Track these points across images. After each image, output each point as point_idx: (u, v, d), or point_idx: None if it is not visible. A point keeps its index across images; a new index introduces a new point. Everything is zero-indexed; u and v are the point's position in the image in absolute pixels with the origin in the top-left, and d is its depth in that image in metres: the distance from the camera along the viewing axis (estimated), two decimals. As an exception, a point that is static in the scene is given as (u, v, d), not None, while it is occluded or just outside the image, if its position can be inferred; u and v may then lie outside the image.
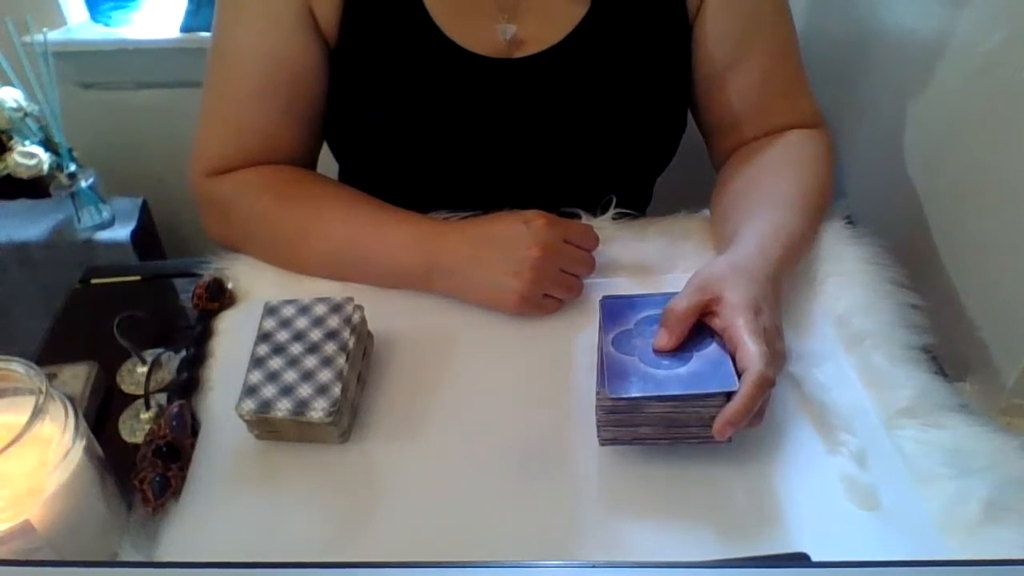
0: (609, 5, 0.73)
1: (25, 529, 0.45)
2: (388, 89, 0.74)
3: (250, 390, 0.57)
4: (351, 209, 0.72)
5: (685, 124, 0.82)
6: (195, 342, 0.67)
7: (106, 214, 1.48)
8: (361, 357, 0.62)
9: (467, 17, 0.72)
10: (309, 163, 0.80)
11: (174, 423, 0.57)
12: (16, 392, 0.50)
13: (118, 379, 0.66)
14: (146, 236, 1.51)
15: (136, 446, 0.57)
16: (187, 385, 0.63)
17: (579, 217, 0.77)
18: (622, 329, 0.59)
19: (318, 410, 0.55)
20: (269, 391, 0.57)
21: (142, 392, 0.63)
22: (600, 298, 0.63)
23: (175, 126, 1.41)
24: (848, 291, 0.67)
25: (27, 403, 0.46)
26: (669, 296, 0.59)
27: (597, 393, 0.56)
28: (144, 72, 1.52)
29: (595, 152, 0.79)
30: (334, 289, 0.71)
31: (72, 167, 1.40)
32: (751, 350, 0.52)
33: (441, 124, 0.76)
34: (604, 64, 0.74)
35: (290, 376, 0.57)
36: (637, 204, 0.88)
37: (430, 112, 0.75)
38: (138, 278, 0.80)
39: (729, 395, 0.52)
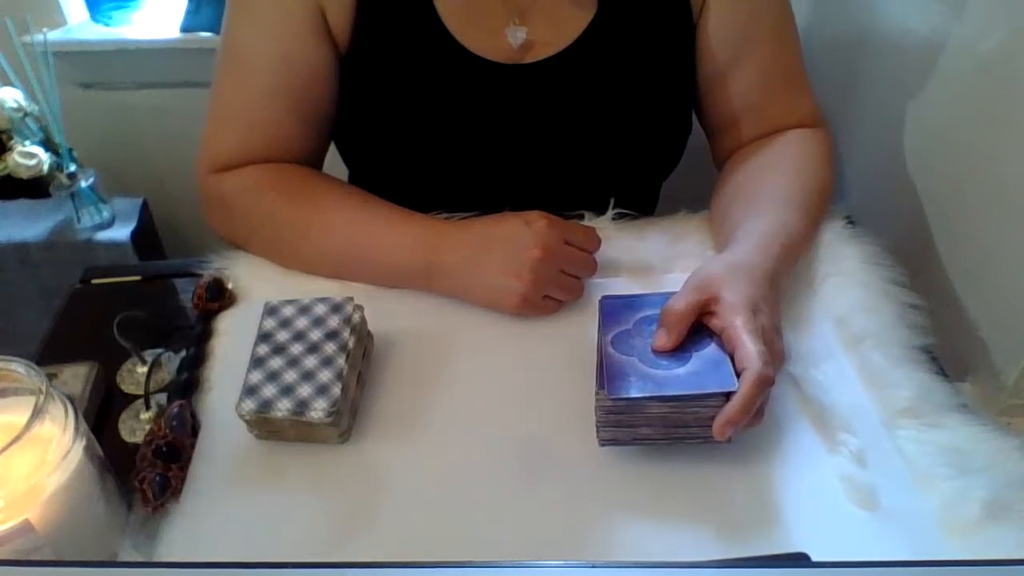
0: (615, 8, 0.73)
1: (25, 529, 0.45)
2: (399, 94, 0.74)
3: (250, 390, 0.57)
4: (353, 207, 0.72)
5: (691, 126, 0.82)
6: (195, 342, 0.67)
7: (106, 214, 1.48)
8: (361, 357, 0.62)
9: (478, 22, 0.72)
10: (315, 164, 0.80)
11: (174, 423, 0.57)
12: (16, 392, 0.50)
13: (118, 379, 0.66)
14: (146, 236, 1.51)
15: (136, 446, 0.57)
16: (187, 385, 0.63)
17: (582, 217, 0.77)
18: (621, 329, 0.59)
19: (318, 410, 0.55)
20: (269, 391, 0.57)
21: (142, 392, 0.63)
22: (600, 298, 0.63)
23: (175, 126, 1.41)
24: (848, 291, 0.67)
25: (27, 403, 0.46)
26: (668, 296, 0.59)
27: (597, 393, 0.56)
28: (144, 72, 1.52)
29: (603, 154, 0.79)
30: (334, 289, 0.71)
31: (72, 167, 1.40)
32: (750, 350, 0.52)
33: (452, 128, 0.76)
34: (613, 67, 0.74)
35: (290, 376, 0.57)
36: (644, 207, 0.88)
37: (441, 116, 0.75)
38: (138, 278, 0.80)
39: (728, 395, 0.52)
